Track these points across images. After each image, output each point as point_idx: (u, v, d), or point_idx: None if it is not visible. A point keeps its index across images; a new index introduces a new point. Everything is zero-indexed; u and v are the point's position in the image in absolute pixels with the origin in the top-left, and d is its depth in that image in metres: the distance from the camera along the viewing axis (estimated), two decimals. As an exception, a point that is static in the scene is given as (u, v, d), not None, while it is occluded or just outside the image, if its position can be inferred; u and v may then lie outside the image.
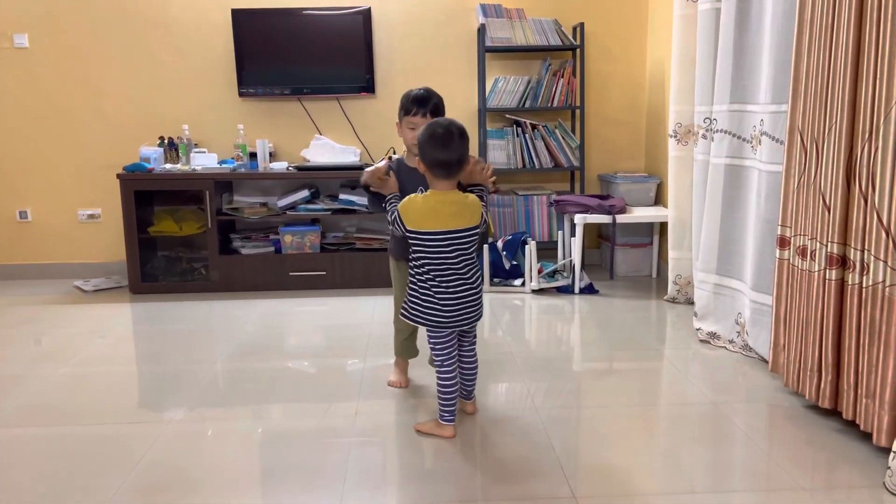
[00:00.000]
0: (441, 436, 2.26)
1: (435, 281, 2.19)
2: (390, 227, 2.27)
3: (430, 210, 2.17)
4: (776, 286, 2.55)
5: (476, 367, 2.38)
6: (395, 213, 2.22)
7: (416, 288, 2.23)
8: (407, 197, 2.22)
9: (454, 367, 2.27)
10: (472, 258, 2.24)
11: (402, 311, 2.28)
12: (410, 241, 2.21)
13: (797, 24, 2.39)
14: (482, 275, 2.32)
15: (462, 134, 2.16)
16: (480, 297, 2.28)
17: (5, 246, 4.56)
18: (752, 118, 2.89)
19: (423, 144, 2.16)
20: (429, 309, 2.21)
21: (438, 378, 2.26)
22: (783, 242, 2.50)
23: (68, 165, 4.51)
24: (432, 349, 2.27)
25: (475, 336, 2.35)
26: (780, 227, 2.51)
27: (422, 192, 2.45)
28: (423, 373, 2.78)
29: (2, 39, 4.35)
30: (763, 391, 2.60)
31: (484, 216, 2.27)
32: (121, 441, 2.26)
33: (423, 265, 2.20)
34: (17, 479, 2.04)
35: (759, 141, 2.81)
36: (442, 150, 2.13)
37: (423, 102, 2.43)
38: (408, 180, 2.46)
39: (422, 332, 2.66)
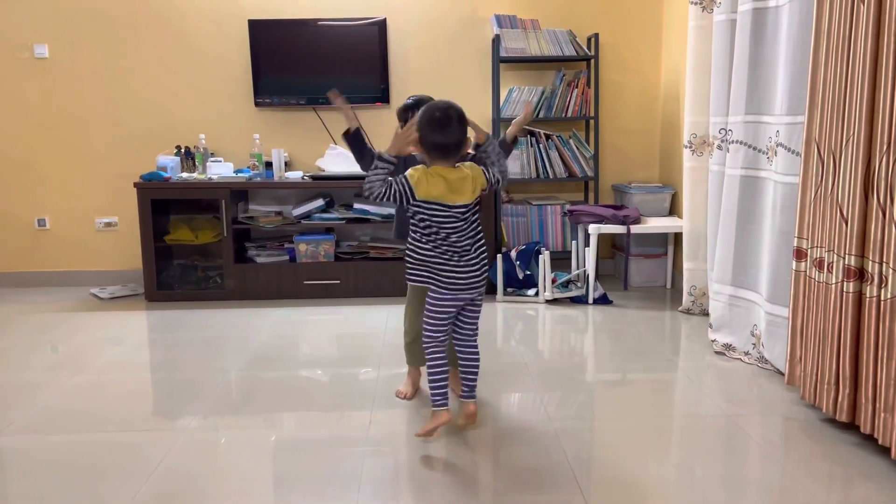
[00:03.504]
0: (439, 424, 2.25)
1: (441, 248, 2.22)
2: (382, 191, 2.17)
3: (437, 179, 2.19)
4: (792, 298, 2.53)
5: (477, 362, 2.35)
6: (403, 179, 2.18)
7: (420, 250, 2.25)
8: (411, 169, 2.23)
9: (443, 350, 2.29)
10: (476, 231, 2.27)
11: (407, 273, 2.30)
12: (416, 210, 2.21)
13: (814, 35, 2.39)
14: (485, 249, 2.32)
15: (461, 118, 2.20)
16: (485, 270, 2.30)
17: (24, 253, 4.61)
18: (768, 129, 2.88)
19: (422, 127, 2.19)
20: (435, 271, 2.23)
21: (427, 362, 2.28)
22: (800, 254, 2.48)
23: (86, 174, 4.55)
24: (426, 327, 2.27)
25: (476, 323, 2.34)
26: (796, 238, 2.50)
27: None
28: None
29: (22, 49, 4.41)
30: (779, 404, 2.58)
31: (489, 176, 2.28)
32: (135, 449, 2.27)
33: (428, 232, 2.22)
34: (32, 486, 2.05)
35: (775, 152, 2.79)
36: (440, 133, 2.17)
37: (417, 106, 2.46)
38: (407, 166, 2.53)
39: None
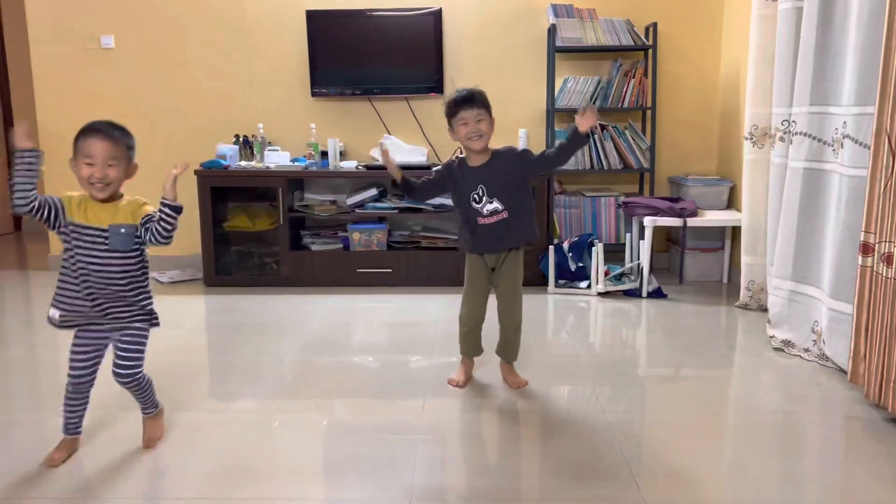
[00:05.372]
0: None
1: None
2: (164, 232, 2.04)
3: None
4: (858, 294, 2.45)
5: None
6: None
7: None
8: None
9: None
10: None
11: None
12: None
13: (887, 22, 2.30)
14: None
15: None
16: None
17: (89, 238, 4.76)
18: (834, 120, 2.79)
19: None
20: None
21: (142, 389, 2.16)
22: (867, 249, 2.40)
23: (148, 161, 4.61)
24: (139, 358, 2.12)
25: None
26: (863, 233, 2.42)
27: (483, 190, 2.46)
28: (488, 370, 2.78)
29: (90, 40, 4.56)
30: (840, 402, 2.51)
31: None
32: (194, 429, 2.34)
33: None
34: (93, 462, 2.13)
35: (842, 144, 2.71)
36: None
37: (468, 100, 2.43)
38: (467, 179, 2.50)
39: (488, 327, 2.67)
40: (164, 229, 2.03)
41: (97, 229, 1.99)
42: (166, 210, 2.04)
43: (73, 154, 2.01)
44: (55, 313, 2.03)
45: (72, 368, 2.07)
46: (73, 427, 2.14)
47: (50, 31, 4.55)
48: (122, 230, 2.01)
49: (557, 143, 2.47)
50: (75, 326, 2.07)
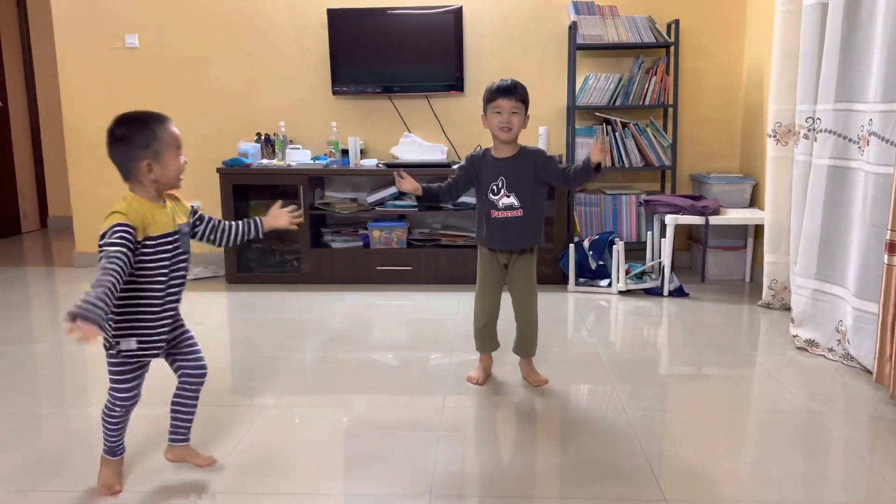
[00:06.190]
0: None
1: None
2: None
3: None
4: (884, 293, 2.42)
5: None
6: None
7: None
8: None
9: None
10: None
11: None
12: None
13: (913, 18, 2.27)
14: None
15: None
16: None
17: (113, 235, 4.82)
18: (860, 118, 2.75)
19: None
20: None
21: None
22: (893, 248, 2.37)
23: (172, 160, 4.72)
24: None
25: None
26: (889, 231, 2.39)
27: (502, 183, 2.47)
28: (508, 367, 2.78)
29: (114, 39, 4.61)
30: (865, 402, 2.47)
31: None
32: (217, 423, 2.36)
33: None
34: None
35: (867, 141, 2.67)
36: None
37: (508, 90, 2.44)
38: (490, 168, 2.51)
39: (503, 322, 2.67)
40: (234, 240, 2.03)
41: (168, 234, 1.83)
42: (253, 230, 2.04)
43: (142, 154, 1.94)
44: (132, 341, 1.83)
45: (124, 393, 1.90)
46: (122, 447, 1.99)
47: (75, 31, 4.62)
48: (186, 229, 1.89)
49: (573, 166, 2.50)
50: (151, 357, 1.92)
